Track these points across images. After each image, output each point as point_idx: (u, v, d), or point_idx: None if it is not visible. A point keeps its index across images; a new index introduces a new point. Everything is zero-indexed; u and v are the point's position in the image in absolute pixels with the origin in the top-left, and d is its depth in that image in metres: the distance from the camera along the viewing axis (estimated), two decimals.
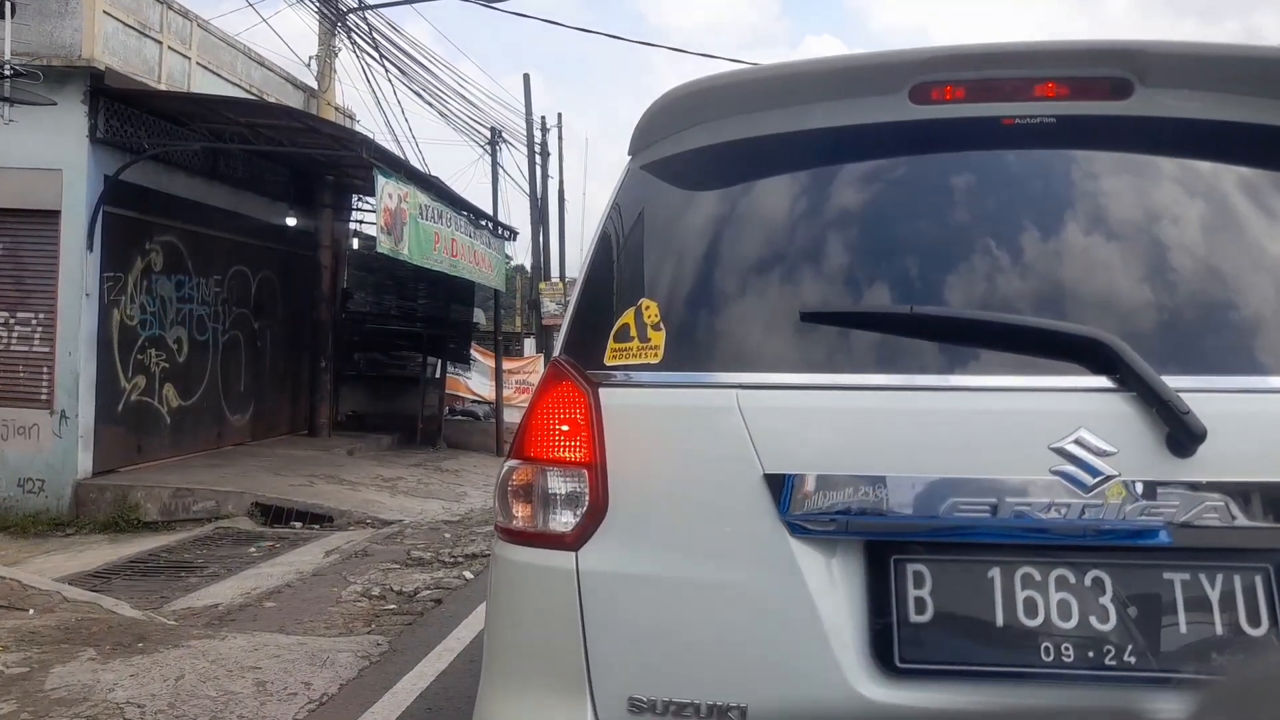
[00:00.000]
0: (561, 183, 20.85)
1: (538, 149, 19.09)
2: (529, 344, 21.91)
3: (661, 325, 1.57)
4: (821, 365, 1.49)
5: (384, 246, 9.66)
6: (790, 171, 1.68)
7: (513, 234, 15.85)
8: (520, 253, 24.32)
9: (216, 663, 4.22)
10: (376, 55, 14.33)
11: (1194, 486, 1.35)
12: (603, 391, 1.56)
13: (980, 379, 1.43)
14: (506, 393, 18.07)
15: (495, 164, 17.74)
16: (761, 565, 1.43)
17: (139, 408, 10.39)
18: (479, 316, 18.86)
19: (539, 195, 19.18)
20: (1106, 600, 1.38)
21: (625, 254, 1.71)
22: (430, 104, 14.80)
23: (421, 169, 13.36)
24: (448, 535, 8.42)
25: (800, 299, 1.53)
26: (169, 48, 10.53)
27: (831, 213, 1.62)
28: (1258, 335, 1.44)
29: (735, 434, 1.47)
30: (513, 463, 1.61)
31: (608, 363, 1.58)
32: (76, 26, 9.13)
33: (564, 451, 1.55)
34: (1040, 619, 1.38)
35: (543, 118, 19.88)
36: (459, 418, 17.45)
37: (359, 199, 15.02)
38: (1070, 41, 1.65)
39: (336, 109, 14.95)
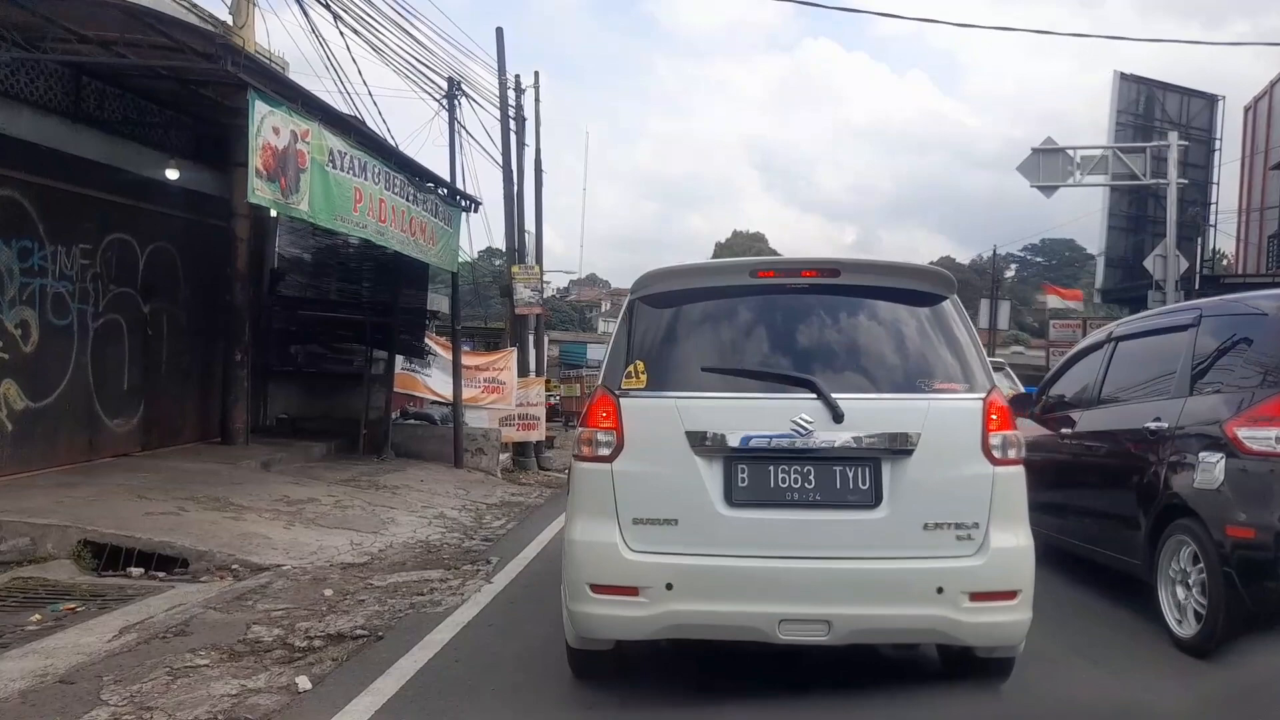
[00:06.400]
0: (538, 152, 18.28)
1: (511, 113, 16.57)
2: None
3: (645, 372, 3.95)
4: (711, 389, 3.89)
5: (262, 197, 7.12)
6: (703, 302, 4.15)
7: (473, 204, 13.34)
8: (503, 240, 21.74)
9: None
10: None
11: (842, 434, 3.75)
12: (622, 399, 3.92)
13: (769, 395, 3.86)
14: (475, 393, 15.56)
15: (453, 120, 15.09)
16: (682, 467, 3.79)
17: None
18: (441, 304, 16.39)
19: (513, 168, 16.70)
20: (812, 478, 3.77)
21: (631, 341, 4.10)
22: (378, 49, 12.22)
23: (379, 134, 10.90)
24: (328, 593, 5.97)
25: (703, 361, 3.99)
26: None
27: (720, 322, 4.13)
28: (873, 377, 3.95)
29: (673, 416, 3.82)
30: (581, 429, 4.02)
31: (623, 387, 3.95)
32: None
33: (605, 424, 3.90)
34: (787, 485, 3.78)
35: (516, 76, 17.31)
36: (411, 421, 15.00)
37: None
38: (815, 257, 4.43)
39: (262, 53, 12.48)
